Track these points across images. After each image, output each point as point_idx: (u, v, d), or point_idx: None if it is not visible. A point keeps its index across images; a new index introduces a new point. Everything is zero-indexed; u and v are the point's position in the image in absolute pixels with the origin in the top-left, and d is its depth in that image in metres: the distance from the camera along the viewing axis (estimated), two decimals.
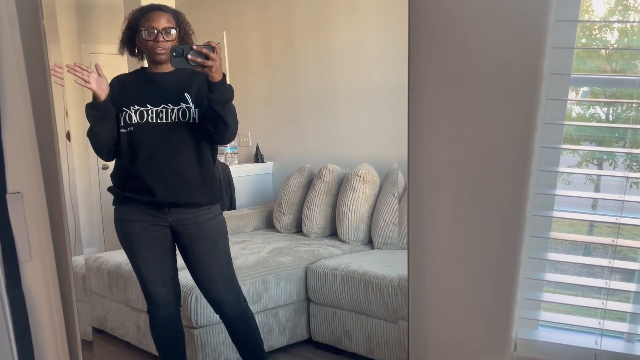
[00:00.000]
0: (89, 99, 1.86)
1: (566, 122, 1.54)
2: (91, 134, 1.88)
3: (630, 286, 1.59)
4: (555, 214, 1.58)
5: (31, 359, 1.38)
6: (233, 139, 1.99)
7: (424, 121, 1.55)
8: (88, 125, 1.89)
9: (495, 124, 1.47)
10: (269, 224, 2.94)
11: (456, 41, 1.48)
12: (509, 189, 1.49)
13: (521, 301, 1.59)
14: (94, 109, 1.84)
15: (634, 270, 1.59)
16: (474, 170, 1.52)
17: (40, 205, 1.36)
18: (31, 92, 1.34)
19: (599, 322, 1.57)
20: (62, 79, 1.74)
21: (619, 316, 1.60)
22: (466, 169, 1.52)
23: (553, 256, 1.62)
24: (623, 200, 1.48)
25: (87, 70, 1.81)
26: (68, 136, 1.70)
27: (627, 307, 1.59)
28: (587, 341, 1.58)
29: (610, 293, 1.56)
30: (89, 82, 1.81)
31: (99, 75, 1.84)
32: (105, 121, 1.86)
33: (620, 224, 1.50)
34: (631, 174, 1.51)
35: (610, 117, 1.71)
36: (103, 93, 1.84)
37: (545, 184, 1.55)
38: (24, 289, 1.36)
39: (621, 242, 1.50)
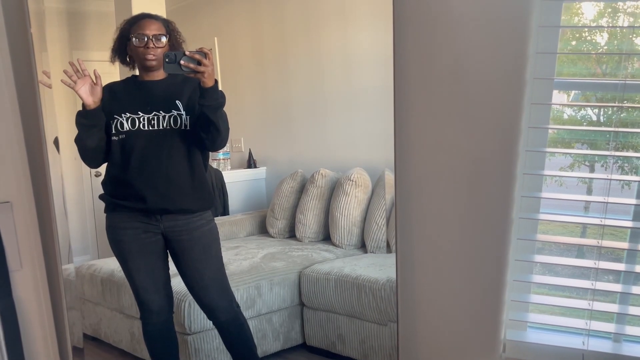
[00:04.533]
0: (80, 107, 1.87)
1: (550, 126, 1.56)
2: (79, 141, 1.88)
3: (616, 287, 1.61)
4: (541, 216, 1.59)
5: None
6: (224, 145, 2.00)
7: (410, 125, 1.56)
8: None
9: (480, 128, 1.49)
10: (262, 229, 2.95)
11: (440, 46, 1.49)
12: (495, 192, 1.51)
13: (509, 303, 1.60)
14: (82, 117, 1.85)
15: (621, 271, 1.60)
16: (460, 173, 1.53)
17: (30, 214, 1.36)
18: (19, 100, 1.35)
19: (586, 323, 1.58)
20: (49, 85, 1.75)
21: (606, 317, 1.61)
22: (452, 172, 1.54)
23: (539, 258, 1.64)
24: (607, 202, 1.50)
25: (81, 72, 1.81)
26: (56, 142, 1.70)
27: (613, 307, 1.60)
28: (575, 342, 1.60)
29: (597, 294, 1.57)
30: (74, 84, 1.80)
31: (95, 83, 1.84)
32: (93, 129, 1.86)
33: (604, 225, 1.51)
34: (615, 176, 1.53)
35: (602, 118, 1.73)
36: (92, 101, 1.84)
37: (531, 187, 1.57)
38: (14, 297, 1.36)
39: (605, 243, 1.52)
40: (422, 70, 1.53)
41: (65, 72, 1.80)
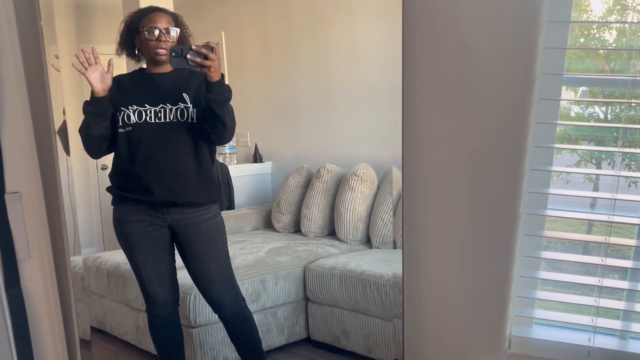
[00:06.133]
0: (88, 98, 1.88)
1: (559, 122, 1.56)
2: (83, 131, 1.88)
3: (623, 284, 1.60)
4: (549, 212, 1.59)
5: (30, 358, 1.39)
6: (230, 139, 2.00)
7: (418, 121, 1.56)
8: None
9: (488, 124, 1.49)
10: (268, 224, 2.96)
11: (449, 41, 1.49)
12: (502, 187, 1.50)
13: (515, 299, 1.60)
14: (90, 105, 1.85)
15: (628, 268, 1.60)
16: (468, 169, 1.53)
17: (38, 204, 1.37)
18: (29, 92, 1.36)
19: (592, 320, 1.58)
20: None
21: (612, 314, 1.61)
22: (460, 168, 1.54)
23: (546, 254, 1.64)
24: (615, 199, 1.50)
25: (94, 59, 1.82)
26: (63, 132, 1.70)
27: (619, 304, 1.60)
28: (581, 338, 1.60)
29: (604, 291, 1.57)
30: (85, 70, 1.81)
31: (106, 71, 1.84)
32: (100, 117, 1.86)
33: (612, 222, 1.51)
34: (624, 173, 1.52)
35: (609, 116, 1.73)
36: (101, 88, 1.83)
37: (539, 183, 1.57)
38: (22, 287, 1.37)
39: (613, 240, 1.51)
40: (430, 65, 1.52)
41: (77, 56, 1.80)
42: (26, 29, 1.38)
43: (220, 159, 2.84)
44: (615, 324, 1.60)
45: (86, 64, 1.81)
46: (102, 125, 1.87)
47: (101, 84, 1.83)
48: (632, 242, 1.57)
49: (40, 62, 1.43)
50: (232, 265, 2.09)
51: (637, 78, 1.47)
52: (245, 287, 2.33)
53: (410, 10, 1.51)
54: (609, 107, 1.71)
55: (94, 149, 1.93)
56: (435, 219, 1.60)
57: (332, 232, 2.75)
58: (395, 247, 2.47)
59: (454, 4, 1.47)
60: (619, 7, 1.61)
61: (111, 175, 1.99)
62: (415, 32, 1.52)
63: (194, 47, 1.75)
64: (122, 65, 2.08)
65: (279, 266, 2.48)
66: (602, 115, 1.75)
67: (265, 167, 3.02)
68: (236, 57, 2.92)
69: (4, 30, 1.30)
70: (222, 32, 2.87)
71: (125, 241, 2.00)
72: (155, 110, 1.91)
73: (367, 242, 2.64)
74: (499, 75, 1.46)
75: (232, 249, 2.29)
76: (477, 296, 1.59)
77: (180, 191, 1.95)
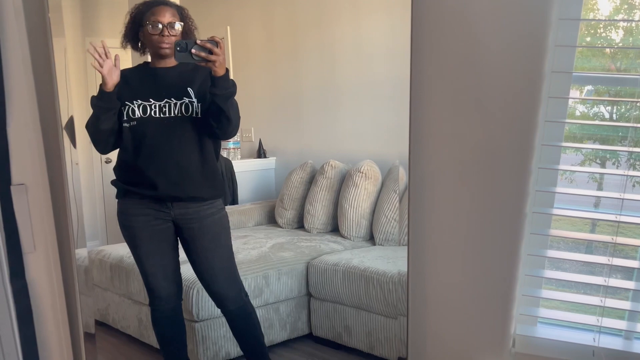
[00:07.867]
0: (94, 93, 1.87)
1: (567, 120, 1.55)
2: (91, 126, 1.88)
3: (629, 284, 1.60)
4: (555, 211, 1.58)
5: (34, 349, 1.40)
6: (235, 134, 2.00)
7: (425, 118, 1.55)
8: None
9: (496, 121, 1.48)
10: (271, 219, 2.95)
11: (458, 38, 1.48)
12: (509, 186, 1.50)
13: (520, 298, 1.60)
14: (100, 99, 1.85)
15: (634, 268, 1.60)
16: (475, 167, 1.52)
17: (44, 197, 1.37)
18: (36, 85, 1.35)
19: (597, 320, 1.58)
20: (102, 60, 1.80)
21: (617, 314, 1.61)
22: (467, 165, 1.53)
23: (552, 253, 1.63)
24: (623, 199, 1.49)
25: (106, 55, 1.82)
26: (70, 125, 1.69)
27: (625, 304, 1.60)
28: (586, 338, 1.59)
29: (609, 291, 1.57)
30: (102, 67, 1.81)
31: (115, 65, 1.84)
32: (109, 112, 1.86)
33: (619, 222, 1.50)
34: (631, 172, 1.52)
35: (614, 116, 1.72)
36: (112, 83, 1.83)
37: (546, 181, 1.56)
38: (27, 279, 1.37)
39: (620, 240, 1.51)
40: (438, 62, 1.52)
41: (91, 52, 1.80)
42: (34, 21, 1.38)
43: (224, 153, 2.84)
44: (621, 324, 1.60)
45: (101, 59, 1.81)
46: (111, 120, 1.87)
47: (112, 80, 1.83)
48: (639, 242, 1.57)
49: (47, 55, 1.43)
50: (236, 260, 2.09)
51: None
52: (248, 282, 2.33)
53: (419, 6, 1.51)
54: (615, 107, 1.70)
55: (102, 144, 1.93)
56: (441, 217, 1.59)
57: (335, 228, 2.74)
58: (399, 244, 2.47)
59: (463, 0, 1.46)
60: (626, 6, 1.60)
61: (116, 169, 1.99)
62: (423, 28, 1.51)
63: (198, 42, 1.75)
64: (128, 59, 2.07)
65: (282, 262, 2.48)
66: (607, 115, 1.75)
67: (269, 162, 3.01)
68: (241, 52, 2.91)
69: (12, 22, 1.30)
70: (228, 27, 2.86)
71: (129, 235, 2.00)
72: (159, 105, 1.91)
73: (370, 238, 2.63)
74: (508, 72, 1.45)
75: (235, 244, 2.28)
76: (482, 294, 1.58)
77: (184, 186, 1.95)
